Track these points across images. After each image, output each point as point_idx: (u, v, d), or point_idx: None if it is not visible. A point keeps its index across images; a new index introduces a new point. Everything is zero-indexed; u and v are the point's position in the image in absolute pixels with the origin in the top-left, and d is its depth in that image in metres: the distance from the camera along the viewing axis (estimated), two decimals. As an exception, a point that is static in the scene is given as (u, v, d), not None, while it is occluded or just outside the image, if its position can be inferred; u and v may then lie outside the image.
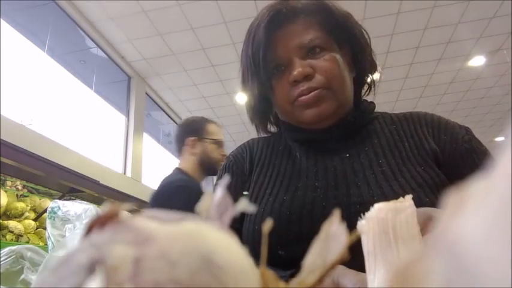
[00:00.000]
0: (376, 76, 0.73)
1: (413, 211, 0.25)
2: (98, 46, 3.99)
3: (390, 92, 5.25)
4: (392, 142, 0.65)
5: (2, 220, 2.41)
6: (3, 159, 2.18)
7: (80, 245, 0.16)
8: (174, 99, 5.21)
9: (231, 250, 0.17)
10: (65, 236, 1.15)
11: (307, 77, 0.62)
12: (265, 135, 0.78)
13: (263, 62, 0.64)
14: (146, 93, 4.84)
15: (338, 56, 0.65)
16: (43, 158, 2.54)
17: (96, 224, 0.17)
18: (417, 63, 4.63)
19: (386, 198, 0.56)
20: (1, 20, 2.91)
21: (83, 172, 2.94)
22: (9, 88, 2.77)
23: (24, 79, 3.21)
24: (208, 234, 0.17)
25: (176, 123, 5.76)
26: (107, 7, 3.52)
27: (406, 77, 4.94)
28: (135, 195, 3.77)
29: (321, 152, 0.67)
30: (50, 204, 1.24)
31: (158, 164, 5.47)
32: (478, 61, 4.69)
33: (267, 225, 0.22)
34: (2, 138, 2.23)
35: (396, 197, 0.60)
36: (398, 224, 0.25)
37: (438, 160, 0.62)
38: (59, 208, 1.20)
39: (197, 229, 0.17)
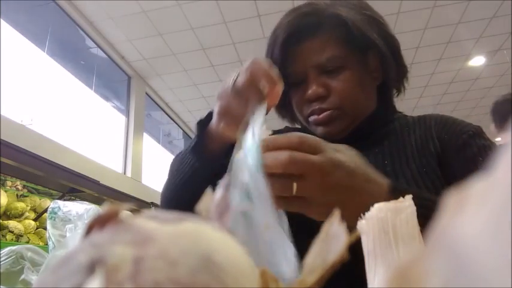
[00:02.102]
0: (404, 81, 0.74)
1: (413, 211, 0.25)
2: (98, 46, 4.00)
3: (390, 92, 5.25)
4: (401, 143, 0.65)
5: (2, 220, 2.41)
6: (3, 159, 2.18)
7: (80, 245, 0.16)
8: (174, 99, 5.21)
9: (230, 250, 0.17)
10: (65, 236, 1.16)
11: (321, 98, 0.63)
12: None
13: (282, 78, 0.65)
14: (146, 93, 4.84)
15: (355, 73, 0.64)
16: (43, 158, 2.55)
17: (96, 224, 0.17)
18: (417, 63, 4.63)
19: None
20: (1, 20, 2.91)
21: (83, 172, 2.94)
22: (9, 88, 2.77)
23: (24, 79, 3.21)
24: (208, 234, 0.17)
25: (176, 123, 5.77)
26: (107, 7, 3.52)
27: (406, 77, 4.94)
28: (135, 195, 3.77)
29: None
30: (50, 204, 1.24)
31: (158, 164, 5.48)
32: (478, 61, 4.69)
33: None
34: (2, 138, 2.23)
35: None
36: (398, 224, 0.25)
37: (440, 160, 0.62)
38: (59, 208, 1.20)
39: (197, 229, 0.17)
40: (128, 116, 4.49)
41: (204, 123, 0.58)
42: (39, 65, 3.47)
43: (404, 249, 0.24)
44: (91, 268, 0.14)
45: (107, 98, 4.47)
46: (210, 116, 0.57)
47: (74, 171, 2.81)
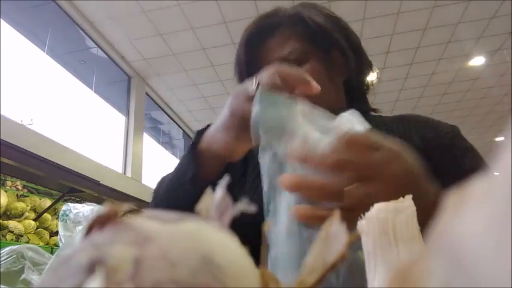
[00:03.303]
0: (372, 77, 0.73)
1: (413, 211, 0.25)
2: (98, 46, 3.99)
3: (390, 92, 5.26)
4: None
5: (2, 220, 2.41)
6: (3, 159, 2.18)
7: (80, 245, 0.16)
8: (174, 99, 5.21)
9: (231, 250, 0.17)
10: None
11: None
12: None
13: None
14: (146, 93, 4.84)
15: (318, 65, 0.65)
16: (43, 158, 2.55)
17: (96, 224, 0.17)
18: (417, 63, 4.63)
19: None
20: (1, 20, 2.91)
21: (83, 172, 2.94)
22: (9, 88, 2.77)
23: (24, 79, 3.21)
24: (208, 234, 0.17)
25: (176, 123, 5.77)
26: (107, 7, 3.52)
27: (406, 77, 4.94)
28: (135, 195, 3.77)
29: None
30: (62, 207, 1.29)
31: (158, 164, 5.47)
32: (478, 61, 4.69)
33: (267, 224, 0.22)
34: (2, 138, 2.23)
35: None
36: (398, 224, 0.25)
37: (423, 159, 0.61)
38: (71, 211, 1.24)
39: (197, 229, 0.17)
40: (127, 116, 4.49)
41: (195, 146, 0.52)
42: (39, 65, 3.47)
43: (404, 249, 0.24)
44: (91, 268, 0.14)
45: (107, 98, 4.47)
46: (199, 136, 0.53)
47: (74, 171, 2.81)
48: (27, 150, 2.43)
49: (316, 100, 0.63)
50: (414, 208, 0.26)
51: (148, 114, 5.22)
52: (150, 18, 3.65)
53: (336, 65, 0.68)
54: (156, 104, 5.16)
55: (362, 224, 0.26)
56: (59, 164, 2.68)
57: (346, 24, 0.70)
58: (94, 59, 4.19)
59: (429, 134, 0.63)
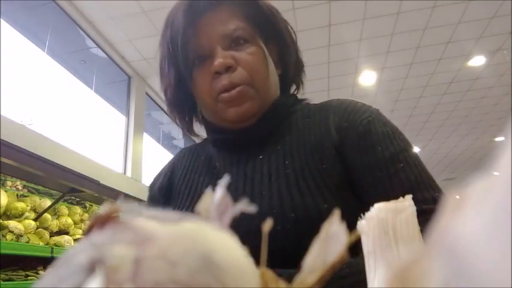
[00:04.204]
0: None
1: (413, 211, 0.25)
2: (98, 46, 3.99)
3: (390, 92, 5.26)
4: (302, 138, 0.61)
5: (2, 220, 2.41)
6: (3, 159, 2.18)
7: (80, 245, 0.16)
8: (174, 99, 5.20)
9: (231, 250, 0.17)
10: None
11: (229, 69, 0.60)
12: (196, 142, 0.76)
13: (182, 51, 0.62)
14: (146, 93, 4.84)
15: (262, 50, 0.63)
16: (43, 158, 2.54)
17: (96, 224, 0.17)
18: (417, 63, 4.63)
19: (284, 209, 0.53)
20: (1, 20, 2.91)
21: (83, 172, 2.94)
22: (9, 88, 2.77)
23: (24, 79, 3.21)
24: (208, 234, 0.17)
25: (176, 124, 5.77)
26: (107, 7, 3.52)
27: (406, 77, 4.94)
28: (135, 195, 3.77)
29: (240, 156, 0.63)
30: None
31: (158, 164, 5.47)
32: (478, 61, 4.69)
33: (268, 224, 0.22)
34: (2, 138, 2.23)
35: (294, 208, 0.54)
36: (398, 224, 0.25)
37: (340, 152, 0.58)
38: None
39: (197, 229, 0.17)
40: (128, 116, 4.49)
41: None
42: (39, 65, 3.47)
43: (404, 249, 0.24)
44: (91, 268, 0.14)
45: (107, 98, 4.47)
46: None
47: (74, 171, 2.81)
48: (27, 150, 2.43)
49: (257, 84, 0.61)
50: (414, 208, 0.26)
51: (148, 114, 5.22)
52: (150, 18, 3.65)
53: (273, 56, 0.66)
54: (156, 104, 5.16)
55: (362, 224, 0.26)
56: (59, 164, 2.68)
57: (285, 19, 0.68)
58: (94, 59, 4.19)
59: (345, 122, 0.60)
